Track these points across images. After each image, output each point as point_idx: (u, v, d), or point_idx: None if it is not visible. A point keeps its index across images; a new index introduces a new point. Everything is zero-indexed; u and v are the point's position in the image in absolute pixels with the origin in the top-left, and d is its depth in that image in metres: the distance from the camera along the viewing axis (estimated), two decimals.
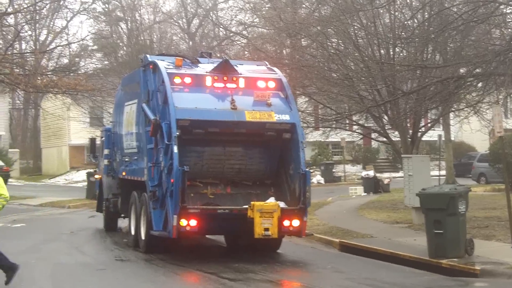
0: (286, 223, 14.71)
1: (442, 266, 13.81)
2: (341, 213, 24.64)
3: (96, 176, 24.07)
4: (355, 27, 24.63)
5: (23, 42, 48.78)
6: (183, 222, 14.21)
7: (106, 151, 20.80)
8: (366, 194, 33.93)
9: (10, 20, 38.77)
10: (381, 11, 25.18)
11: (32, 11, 35.89)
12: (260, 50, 30.66)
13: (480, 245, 15.10)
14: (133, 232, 16.93)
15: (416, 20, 24.06)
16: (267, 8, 41.77)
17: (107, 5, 61.32)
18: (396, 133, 26.34)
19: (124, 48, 56.63)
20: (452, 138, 44.89)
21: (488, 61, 18.48)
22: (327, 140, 36.12)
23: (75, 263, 14.98)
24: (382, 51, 24.30)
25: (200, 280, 13.25)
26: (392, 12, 24.89)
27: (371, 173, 36.34)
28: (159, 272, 13.76)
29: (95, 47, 59.48)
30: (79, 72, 40.25)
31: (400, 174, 40.75)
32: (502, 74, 19.76)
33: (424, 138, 28.20)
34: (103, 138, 21.54)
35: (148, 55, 17.09)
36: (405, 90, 23.00)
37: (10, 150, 58.12)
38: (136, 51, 48.55)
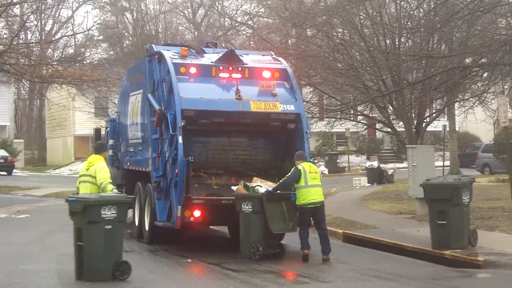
0: None
1: (445, 257, 13.80)
2: (345, 203, 24.62)
3: None
4: (361, 16, 24.58)
5: (28, 32, 48.97)
6: (187, 212, 14.24)
7: (110, 142, 20.78)
8: (370, 184, 33.87)
9: (16, 10, 38.93)
10: (387, 0, 25.15)
11: (38, 1, 35.89)
12: (265, 40, 30.62)
13: (483, 236, 15.10)
14: (137, 223, 16.94)
15: (422, 10, 24.02)
16: None
17: None
18: (401, 123, 26.32)
19: (130, 38, 56.62)
20: (457, 129, 44.83)
21: (494, 51, 18.44)
22: (331, 130, 36.12)
23: None
24: (387, 41, 24.26)
25: (203, 271, 13.28)
26: (398, 2, 24.88)
27: (375, 163, 36.25)
28: (163, 263, 13.79)
29: (101, 37, 59.45)
30: (85, 62, 40.19)
31: (404, 164, 40.79)
32: (508, 64, 19.72)
33: (429, 128, 28.20)
34: (108, 128, 21.52)
35: (153, 45, 17.07)
36: (411, 80, 22.96)
37: (15, 140, 58.27)
38: (141, 41, 48.53)
